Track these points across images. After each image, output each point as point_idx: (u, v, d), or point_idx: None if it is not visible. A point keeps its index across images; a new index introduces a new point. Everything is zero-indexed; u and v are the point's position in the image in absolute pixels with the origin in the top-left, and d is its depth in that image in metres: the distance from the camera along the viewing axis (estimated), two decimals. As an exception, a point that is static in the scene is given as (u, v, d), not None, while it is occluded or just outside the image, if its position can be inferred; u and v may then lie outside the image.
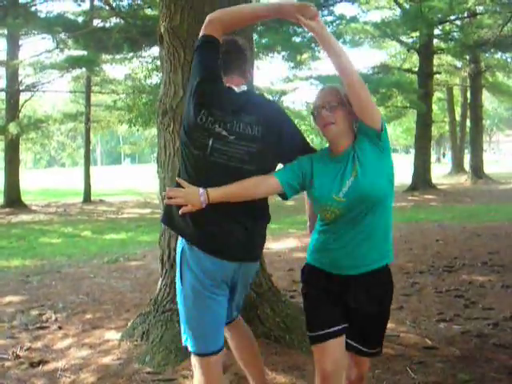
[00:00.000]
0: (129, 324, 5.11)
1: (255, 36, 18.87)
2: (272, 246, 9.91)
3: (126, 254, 10.35)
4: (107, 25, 20.76)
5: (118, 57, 22.41)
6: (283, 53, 21.25)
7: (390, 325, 5.25)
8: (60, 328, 5.59)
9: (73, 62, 20.60)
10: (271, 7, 2.84)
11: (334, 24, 21.15)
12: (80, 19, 21.27)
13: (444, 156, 65.82)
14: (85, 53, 20.83)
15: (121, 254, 10.35)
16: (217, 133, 2.80)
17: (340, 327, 2.82)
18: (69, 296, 7.03)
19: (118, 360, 4.51)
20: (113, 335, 5.15)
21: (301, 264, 3.12)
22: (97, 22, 21.25)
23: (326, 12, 20.76)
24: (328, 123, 2.76)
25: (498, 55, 28.16)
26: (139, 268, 8.85)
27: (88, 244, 12.42)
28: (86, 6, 21.95)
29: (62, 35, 20.88)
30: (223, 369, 3.97)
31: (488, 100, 47.91)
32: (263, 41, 19.41)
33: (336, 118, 2.75)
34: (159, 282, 4.91)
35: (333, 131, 2.77)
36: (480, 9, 24.47)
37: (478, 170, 31.09)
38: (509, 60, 30.26)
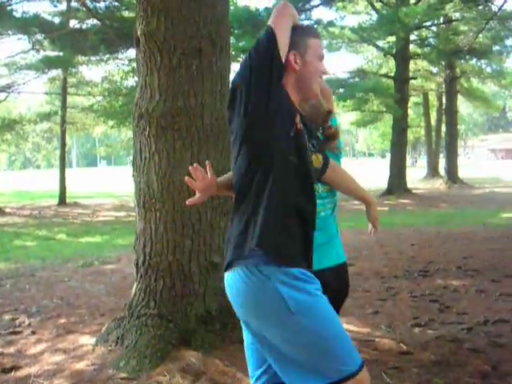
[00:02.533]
0: (103, 329, 5.05)
1: (232, 39, 18.87)
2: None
3: (101, 257, 10.27)
4: (84, 26, 20.61)
5: (94, 58, 22.26)
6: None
7: (365, 329, 5.33)
8: (33, 333, 5.52)
9: (48, 63, 20.43)
10: None
11: (312, 28, 21.21)
12: (56, 20, 21.09)
13: (416, 161, 66.31)
14: (61, 54, 20.67)
15: (96, 257, 10.27)
16: None
17: None
18: (43, 300, 6.96)
19: (92, 365, 4.45)
20: (87, 340, 5.10)
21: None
22: (73, 23, 21.09)
23: (303, 16, 20.80)
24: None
25: (473, 61, 28.47)
26: (114, 272, 8.79)
27: (63, 247, 12.29)
28: (63, 6, 21.77)
29: (38, 36, 20.69)
30: (196, 376, 3.97)
31: (463, 105, 48.35)
32: (240, 44, 19.40)
33: None
34: (134, 287, 4.87)
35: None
36: (456, 15, 24.73)
37: (452, 175, 31.41)
38: (483, 66, 30.68)
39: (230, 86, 2.40)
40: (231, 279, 2.38)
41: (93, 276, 8.50)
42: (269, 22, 2.39)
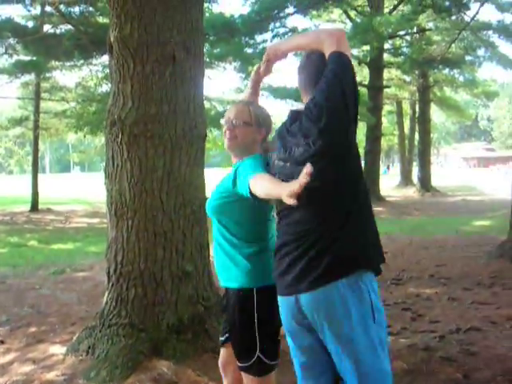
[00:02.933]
0: (74, 338, 5.00)
1: (207, 46, 18.84)
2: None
3: (73, 264, 10.17)
4: (58, 31, 20.42)
5: (68, 64, 22.06)
6: (235, 63, 21.26)
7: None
8: (2, 342, 5.43)
9: (21, 67, 20.20)
10: None
11: (286, 36, 21.26)
12: (30, 24, 20.87)
13: (389, 168, 66.70)
14: (34, 58, 20.45)
15: (68, 264, 10.15)
16: None
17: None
18: (13, 308, 6.86)
19: (63, 375, 4.40)
20: (58, 349, 5.03)
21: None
22: (47, 28, 20.88)
23: (278, 24, 20.88)
24: (230, 137, 2.92)
25: (446, 71, 28.76)
26: (86, 279, 8.69)
27: (34, 254, 12.15)
28: (37, 11, 21.53)
29: (11, 40, 20.45)
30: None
31: (436, 114, 48.80)
32: (215, 51, 19.38)
33: (237, 134, 2.91)
34: (105, 296, 4.82)
35: (231, 145, 2.94)
36: (430, 25, 24.97)
37: (425, 183, 31.67)
38: (456, 75, 30.99)
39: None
40: None
41: (64, 284, 8.40)
42: (342, 50, 2.56)
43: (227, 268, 2.92)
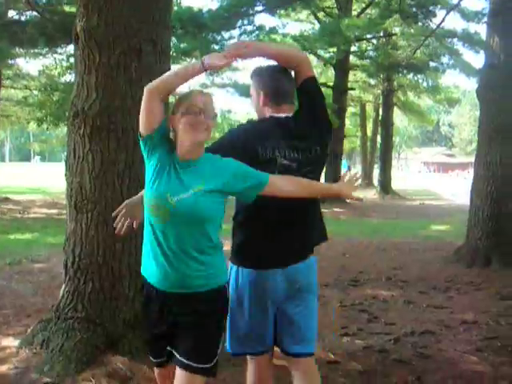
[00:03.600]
0: (28, 331, 4.91)
1: (174, 40, 18.71)
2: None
3: (30, 255, 10.00)
4: (23, 18, 20.07)
5: (32, 51, 21.70)
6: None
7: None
8: (-46, 333, 5.33)
9: (-17, 53, 19.81)
10: None
11: (254, 34, 21.26)
12: (-6, 10, 20.49)
13: (350, 169, 67.04)
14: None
15: (24, 255, 9.98)
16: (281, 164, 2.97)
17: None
18: (-35, 299, 6.74)
19: (15, 369, 4.32)
20: (11, 342, 4.94)
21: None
22: (12, 14, 20.53)
23: (246, 21, 20.83)
24: (207, 128, 2.72)
25: (410, 76, 29.08)
26: (43, 271, 8.57)
27: (-10, 244, 11.94)
28: (1, -4, 21.16)
29: (-26, 26, 20.06)
30: (123, 381, 3.91)
31: (399, 118, 49.32)
32: (181, 45, 19.26)
33: (209, 127, 2.73)
34: (62, 289, 4.75)
35: (207, 137, 2.75)
36: (396, 30, 25.22)
37: (386, 186, 32.02)
38: (420, 81, 31.38)
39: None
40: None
41: (20, 275, 8.27)
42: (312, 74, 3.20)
43: (203, 272, 2.72)
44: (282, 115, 3.05)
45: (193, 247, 2.67)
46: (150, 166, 2.77)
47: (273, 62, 3.13)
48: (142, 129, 2.78)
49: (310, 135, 3.06)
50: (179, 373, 2.74)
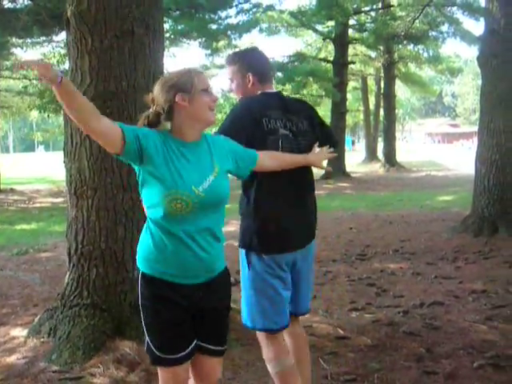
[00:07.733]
0: (36, 320, 4.91)
1: (170, 22, 18.57)
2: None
3: (36, 244, 10.02)
4: (17, 6, 19.92)
5: (29, 40, 21.59)
6: (199, 40, 21.02)
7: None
8: (-38, 325, 5.33)
9: (-21, 44, 19.73)
10: None
11: (251, 12, 21.09)
12: (-13, -1, 20.35)
13: (354, 144, 66.85)
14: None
15: (31, 245, 10.00)
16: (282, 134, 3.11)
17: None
18: (-27, 291, 6.74)
19: (24, 358, 4.32)
20: (19, 332, 4.95)
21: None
22: (5, 3, 20.37)
23: (242, 0, 20.67)
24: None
25: (411, 47, 28.85)
26: (50, 259, 8.58)
27: (-4, 235, 11.97)
28: (-6, -16, 21.01)
29: (-33, 16, 19.93)
30: (131, 367, 3.90)
31: (401, 90, 49.10)
32: (179, 27, 19.13)
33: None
34: (66, 276, 4.73)
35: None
36: (394, 1, 24.97)
37: (390, 159, 31.90)
38: (420, 51, 31.10)
39: None
40: None
41: (27, 264, 8.29)
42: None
43: (219, 253, 2.68)
44: (273, 91, 3.29)
45: (218, 228, 2.65)
46: (148, 174, 2.53)
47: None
48: (111, 150, 2.51)
49: (299, 112, 3.25)
50: (206, 361, 2.71)
